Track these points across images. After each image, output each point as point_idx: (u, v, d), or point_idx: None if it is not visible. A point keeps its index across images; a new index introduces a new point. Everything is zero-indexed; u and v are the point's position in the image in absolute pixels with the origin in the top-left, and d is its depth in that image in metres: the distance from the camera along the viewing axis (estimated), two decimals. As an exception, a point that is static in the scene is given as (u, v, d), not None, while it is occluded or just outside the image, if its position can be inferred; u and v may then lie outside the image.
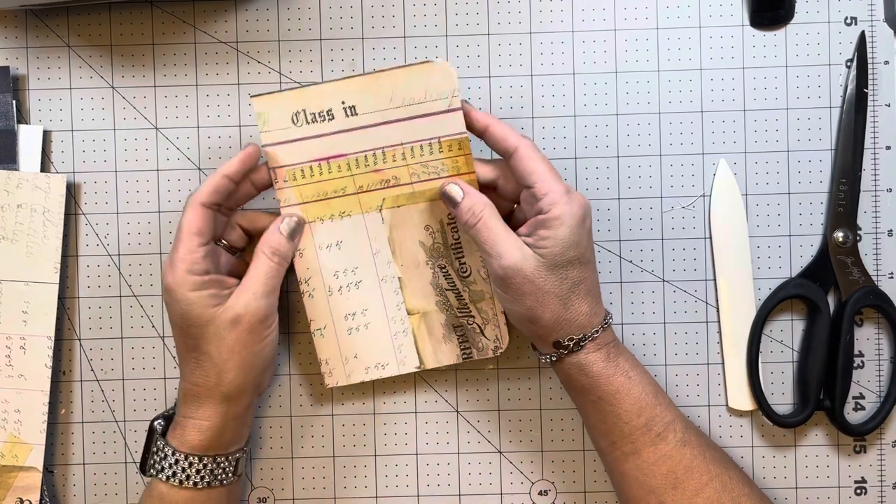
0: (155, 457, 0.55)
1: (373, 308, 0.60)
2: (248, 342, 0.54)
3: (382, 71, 0.56)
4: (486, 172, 0.57)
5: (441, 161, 0.57)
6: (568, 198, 0.53)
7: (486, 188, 0.57)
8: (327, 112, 0.56)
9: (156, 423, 0.56)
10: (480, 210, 0.55)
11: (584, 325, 0.54)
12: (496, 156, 0.58)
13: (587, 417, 0.57)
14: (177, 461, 0.54)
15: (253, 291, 0.54)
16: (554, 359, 0.55)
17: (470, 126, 0.56)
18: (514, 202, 0.58)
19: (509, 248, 0.53)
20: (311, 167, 0.57)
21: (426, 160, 0.57)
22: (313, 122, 0.56)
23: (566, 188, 0.54)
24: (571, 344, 0.54)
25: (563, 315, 0.54)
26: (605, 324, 0.55)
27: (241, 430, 0.57)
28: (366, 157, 0.57)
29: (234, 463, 0.56)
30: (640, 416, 0.54)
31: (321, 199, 0.58)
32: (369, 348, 0.60)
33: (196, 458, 0.54)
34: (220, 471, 0.55)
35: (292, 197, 0.58)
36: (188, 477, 0.54)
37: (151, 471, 0.55)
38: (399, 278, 0.59)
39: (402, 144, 0.57)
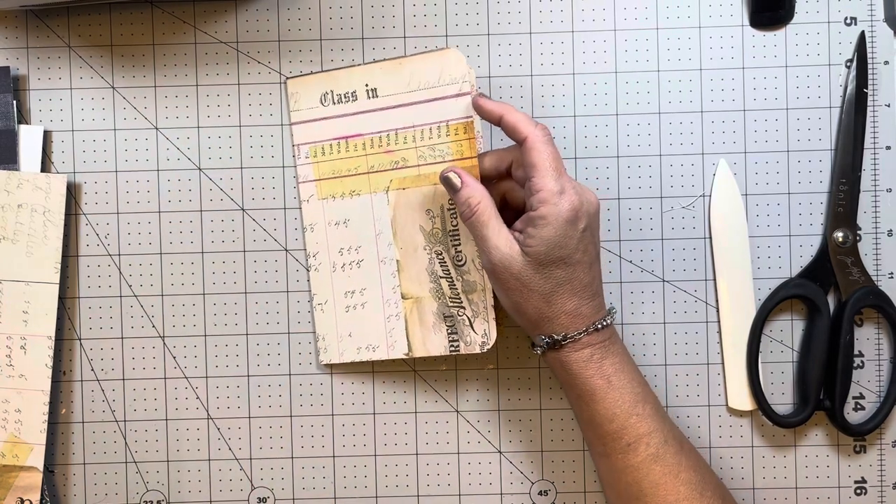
0: None
1: (371, 288, 0.61)
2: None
3: (405, 56, 0.60)
4: (499, 159, 0.58)
5: (447, 144, 0.59)
6: (558, 198, 0.52)
7: (502, 175, 0.58)
8: (352, 93, 0.60)
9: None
10: (476, 203, 0.55)
11: (566, 325, 0.54)
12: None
13: (572, 410, 0.57)
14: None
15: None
16: (539, 351, 0.55)
17: (486, 117, 0.56)
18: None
19: (499, 244, 0.54)
20: (331, 145, 0.61)
21: (434, 143, 0.59)
22: (339, 102, 0.60)
23: (561, 188, 0.53)
24: (550, 342, 0.54)
25: (546, 312, 0.54)
26: (596, 326, 0.54)
27: None
28: (380, 137, 0.60)
29: None
30: (612, 423, 0.54)
31: (335, 177, 0.61)
32: (363, 328, 0.61)
33: None
34: None
35: (311, 173, 0.61)
36: None
37: None
38: (397, 261, 0.61)
39: (413, 127, 0.59)
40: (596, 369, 0.54)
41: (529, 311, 0.54)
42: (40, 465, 0.61)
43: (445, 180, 0.56)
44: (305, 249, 0.62)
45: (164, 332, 0.62)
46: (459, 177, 0.56)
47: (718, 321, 0.62)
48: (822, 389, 0.61)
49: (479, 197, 0.55)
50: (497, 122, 0.56)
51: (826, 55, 0.62)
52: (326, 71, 0.61)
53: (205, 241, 0.62)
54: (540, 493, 0.63)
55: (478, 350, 0.60)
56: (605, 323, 0.55)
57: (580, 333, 0.54)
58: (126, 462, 0.63)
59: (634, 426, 0.54)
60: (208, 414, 0.63)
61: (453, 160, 0.59)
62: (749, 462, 0.62)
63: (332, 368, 0.63)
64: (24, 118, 0.62)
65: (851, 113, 0.61)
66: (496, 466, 0.63)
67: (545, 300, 0.54)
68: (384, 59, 0.60)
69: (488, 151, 0.59)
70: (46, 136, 0.62)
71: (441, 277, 0.60)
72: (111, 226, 0.62)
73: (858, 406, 0.62)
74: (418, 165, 0.60)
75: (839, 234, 0.61)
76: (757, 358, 0.61)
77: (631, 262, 0.62)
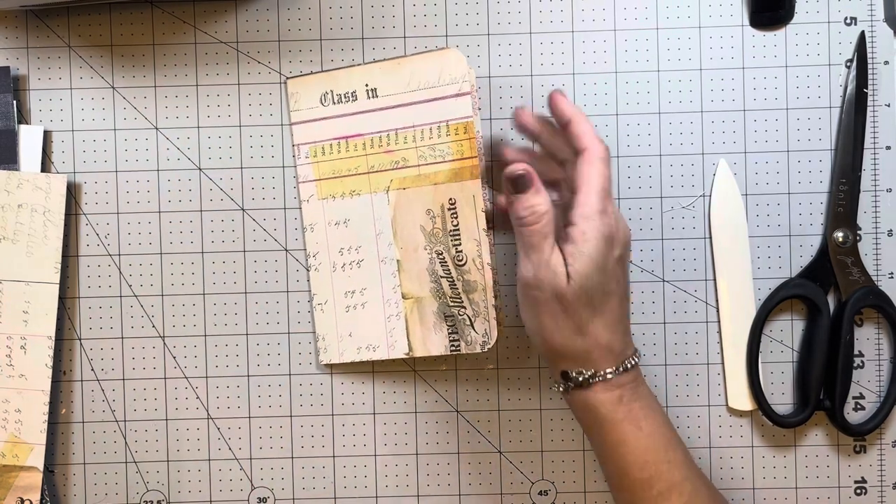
0: None
1: (371, 288, 0.61)
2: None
3: (405, 56, 0.60)
4: (545, 168, 0.56)
5: (447, 144, 0.59)
6: (599, 216, 0.51)
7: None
8: (352, 93, 0.60)
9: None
10: (543, 212, 0.51)
11: (596, 360, 0.51)
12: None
13: (596, 454, 0.55)
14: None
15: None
16: (561, 388, 0.53)
17: (556, 114, 0.54)
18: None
19: (552, 260, 0.51)
20: (331, 145, 0.61)
21: (434, 143, 0.59)
22: (339, 102, 0.60)
23: (603, 207, 0.51)
24: (580, 379, 0.52)
25: (577, 345, 0.51)
26: (625, 366, 0.52)
27: None
28: (380, 137, 0.60)
29: None
30: (643, 471, 0.51)
31: (335, 177, 0.61)
32: (363, 328, 0.61)
33: None
34: None
35: (311, 173, 0.61)
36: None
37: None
38: (398, 261, 0.61)
39: (413, 126, 0.60)
40: (626, 412, 0.51)
41: (560, 339, 0.51)
42: (40, 465, 0.61)
43: (518, 177, 0.52)
44: (305, 249, 0.62)
45: (164, 332, 0.62)
46: (533, 181, 0.52)
47: (718, 321, 0.62)
48: (822, 389, 0.61)
49: (546, 205, 0.51)
50: (564, 124, 0.53)
51: (826, 55, 0.62)
52: (326, 71, 0.61)
53: (205, 241, 0.62)
54: (540, 493, 0.63)
55: (479, 350, 0.60)
56: (633, 362, 0.53)
57: (611, 373, 0.51)
58: (126, 462, 0.63)
59: (666, 474, 0.51)
60: (208, 414, 0.63)
61: (453, 160, 0.59)
62: (749, 462, 0.62)
63: (332, 368, 0.63)
64: (24, 118, 0.62)
65: (851, 113, 0.61)
66: (496, 466, 0.63)
67: (579, 330, 0.51)
68: (384, 59, 0.60)
69: (531, 150, 0.58)
70: (46, 136, 0.62)
71: (441, 277, 0.60)
72: (111, 226, 0.62)
73: (858, 406, 0.62)
74: (418, 165, 0.60)
75: (839, 234, 0.61)
76: (757, 358, 0.61)
77: (631, 261, 0.62)
